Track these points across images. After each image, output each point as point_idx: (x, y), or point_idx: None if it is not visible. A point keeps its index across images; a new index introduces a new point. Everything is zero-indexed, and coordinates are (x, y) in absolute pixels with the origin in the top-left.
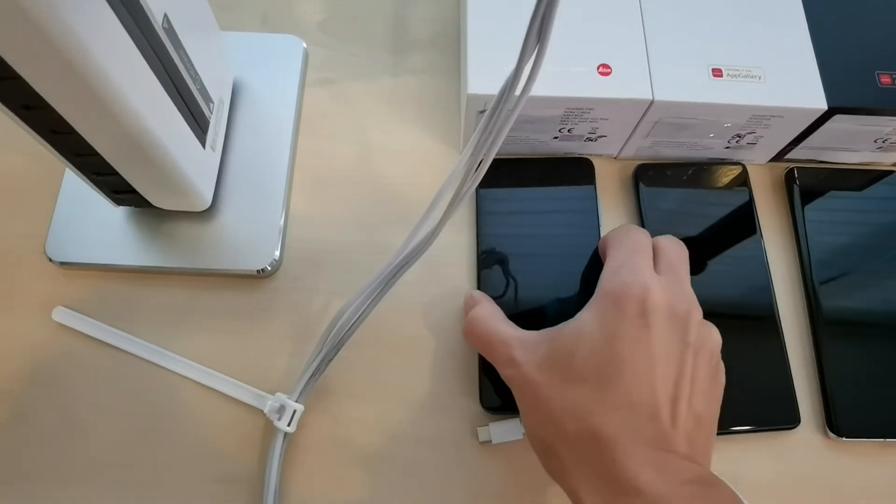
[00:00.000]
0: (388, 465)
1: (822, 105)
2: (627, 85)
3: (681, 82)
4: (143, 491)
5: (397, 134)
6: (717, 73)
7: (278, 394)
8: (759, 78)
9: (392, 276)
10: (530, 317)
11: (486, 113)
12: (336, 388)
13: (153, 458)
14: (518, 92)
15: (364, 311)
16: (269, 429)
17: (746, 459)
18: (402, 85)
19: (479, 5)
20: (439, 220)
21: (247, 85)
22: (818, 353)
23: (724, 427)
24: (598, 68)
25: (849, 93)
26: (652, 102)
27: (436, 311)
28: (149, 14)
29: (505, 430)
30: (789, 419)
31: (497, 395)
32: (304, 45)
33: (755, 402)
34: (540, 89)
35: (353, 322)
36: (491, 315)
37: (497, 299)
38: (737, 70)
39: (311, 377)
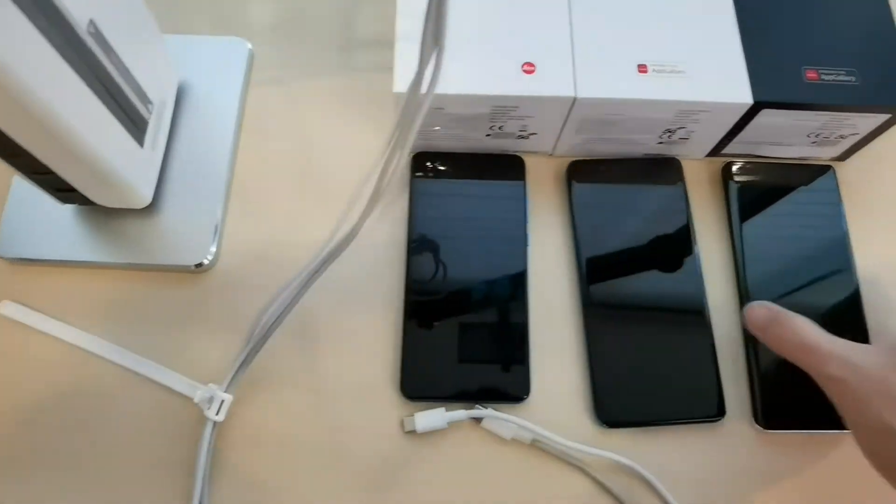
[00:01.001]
0: (315, 453)
1: (747, 100)
2: (551, 83)
3: (605, 79)
4: (82, 476)
5: (341, 131)
6: (642, 69)
7: (210, 384)
8: (685, 73)
9: (317, 269)
10: (453, 302)
11: (398, 113)
12: (267, 379)
13: (93, 445)
14: (424, 90)
15: (290, 303)
16: (201, 417)
17: (675, 451)
18: (348, 83)
19: (407, 4)
20: (360, 214)
21: (192, 86)
22: (746, 347)
23: (653, 419)
24: (522, 66)
25: (775, 87)
26: (575, 100)
27: (365, 303)
28: (71, 20)
29: (429, 420)
30: (715, 411)
31: (416, 386)
32: (250, 46)
33: (683, 395)
34: (465, 88)
35: (279, 314)
36: (812, 324)
37: (424, 285)
38: (662, 66)
39: (239, 368)
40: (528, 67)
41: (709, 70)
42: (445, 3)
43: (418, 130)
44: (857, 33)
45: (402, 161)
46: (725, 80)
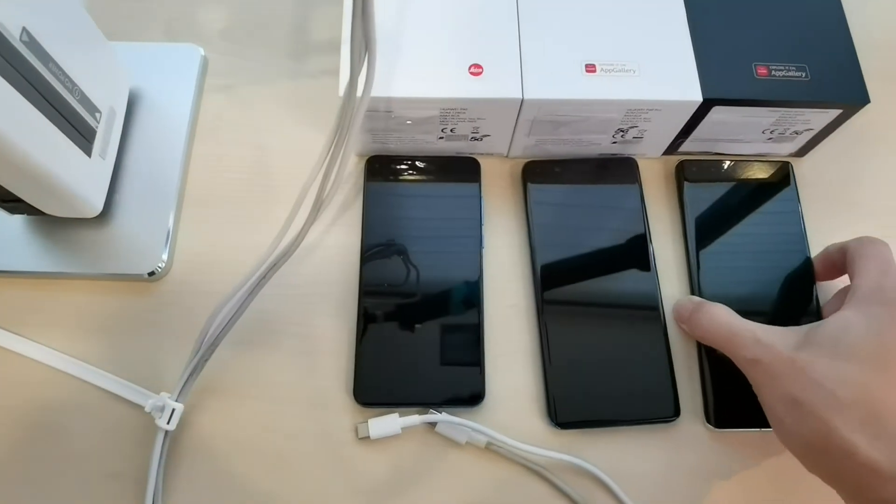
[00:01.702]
0: (269, 461)
1: (697, 97)
2: (498, 84)
3: (552, 80)
4: (35, 488)
5: (292, 136)
6: (590, 68)
7: (162, 393)
8: (634, 72)
9: (263, 276)
10: (407, 306)
11: (335, 117)
12: (220, 387)
13: (45, 456)
14: (359, 94)
15: (238, 311)
16: (154, 427)
17: (630, 452)
18: (301, 88)
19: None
20: (305, 220)
21: (144, 93)
22: (699, 347)
23: (607, 420)
24: (469, 68)
25: (725, 85)
26: (522, 101)
27: (319, 309)
28: (1, 28)
29: (383, 426)
30: (670, 411)
31: (370, 392)
32: (203, 52)
33: (638, 396)
34: (412, 91)
35: (227, 322)
36: (729, 311)
37: (378, 289)
38: (611, 65)
39: (189, 377)
40: (476, 69)
41: (658, 68)
42: (371, 7)
43: (372, 135)
44: (809, 29)
45: (346, 165)
46: (675, 79)
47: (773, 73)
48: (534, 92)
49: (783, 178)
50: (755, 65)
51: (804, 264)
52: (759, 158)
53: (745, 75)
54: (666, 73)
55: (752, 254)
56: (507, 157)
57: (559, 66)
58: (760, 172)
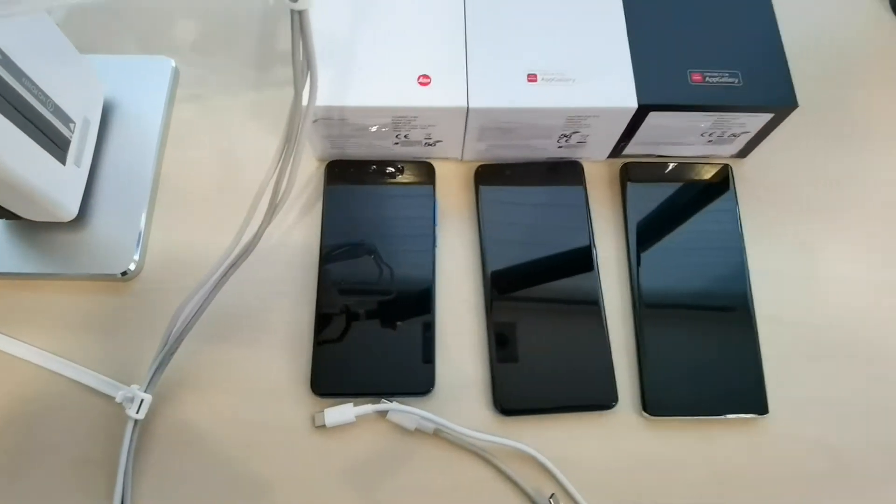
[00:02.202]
0: (233, 448)
1: (633, 104)
2: (445, 94)
3: (496, 89)
4: (11, 475)
5: (257, 142)
6: (532, 78)
7: (132, 385)
8: (574, 81)
9: (224, 274)
10: (362, 302)
11: (284, 126)
12: (187, 379)
13: (21, 445)
14: (304, 103)
15: (201, 307)
16: (124, 417)
17: (570, 438)
18: (265, 97)
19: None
20: (261, 221)
21: (118, 103)
22: (637, 338)
23: (549, 407)
24: (418, 78)
25: (660, 91)
26: (468, 109)
27: (281, 305)
28: None
29: (337, 415)
30: (608, 400)
31: (326, 383)
32: (174, 64)
33: (579, 385)
34: (364, 100)
35: (191, 317)
36: None
37: (335, 286)
38: (551, 75)
39: (157, 369)
40: (424, 79)
41: (597, 77)
42: (308, 26)
43: (330, 141)
44: (742, 37)
45: (297, 170)
46: (612, 86)
47: (707, 79)
48: (478, 101)
49: (722, 179)
50: (690, 72)
51: (739, 261)
52: (701, 160)
53: (680, 82)
54: (604, 81)
55: (690, 251)
56: (461, 160)
57: (503, 76)
58: (700, 174)
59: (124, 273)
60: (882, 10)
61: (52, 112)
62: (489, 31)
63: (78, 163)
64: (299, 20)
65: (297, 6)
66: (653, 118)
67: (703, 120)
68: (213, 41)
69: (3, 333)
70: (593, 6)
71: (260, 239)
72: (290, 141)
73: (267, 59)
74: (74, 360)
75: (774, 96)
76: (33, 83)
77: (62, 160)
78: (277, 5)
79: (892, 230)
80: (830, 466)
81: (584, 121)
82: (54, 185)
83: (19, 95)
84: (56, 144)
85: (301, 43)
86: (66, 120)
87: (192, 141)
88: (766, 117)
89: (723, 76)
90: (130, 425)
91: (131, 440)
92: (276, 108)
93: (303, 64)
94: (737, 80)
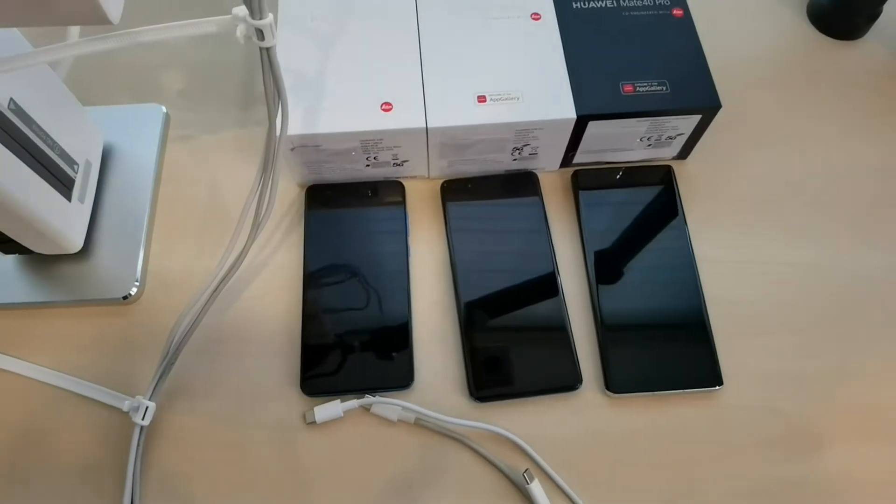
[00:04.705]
0: (231, 448)
1: (572, 115)
2: (405, 117)
3: (451, 110)
4: (26, 485)
5: (241, 176)
6: (481, 99)
7: (138, 396)
8: (518, 99)
9: (214, 291)
10: (343, 309)
11: (262, 153)
12: (186, 387)
13: (35, 457)
14: (277, 132)
15: (196, 321)
16: (131, 425)
17: (541, 419)
18: (248, 134)
19: (286, 61)
20: (245, 243)
21: (116, 147)
22: (597, 324)
23: (520, 392)
24: (381, 105)
25: (595, 102)
26: (427, 129)
27: (269, 317)
28: None
29: (327, 412)
30: (572, 382)
31: (314, 384)
32: (164, 109)
33: (545, 371)
34: (333, 127)
35: (187, 331)
36: None
37: (318, 296)
38: (498, 94)
39: (159, 378)
40: (386, 106)
41: (539, 93)
42: (276, 62)
43: (308, 167)
44: (667, 50)
45: (275, 193)
46: (552, 101)
47: (638, 89)
48: (436, 121)
49: (665, 179)
50: (622, 84)
51: (686, 251)
52: (645, 164)
53: (614, 93)
54: (545, 97)
55: (641, 246)
56: (428, 177)
57: (456, 98)
58: (645, 176)
59: (125, 297)
60: (801, 20)
61: (58, 155)
62: (441, 59)
63: (82, 199)
64: (268, 55)
65: (264, 44)
66: (593, 127)
67: (638, 125)
68: (199, 88)
69: (17, 357)
70: (532, 31)
71: (245, 255)
72: (266, 163)
73: (248, 100)
74: (81, 377)
75: (700, 99)
76: (42, 129)
77: (68, 197)
78: (249, 45)
79: (814, 219)
80: (784, 431)
81: (531, 133)
82: (61, 219)
83: (30, 140)
84: (63, 183)
85: (271, 75)
86: (71, 161)
87: (184, 177)
88: (695, 119)
89: (652, 85)
90: (137, 431)
91: (138, 444)
92: (257, 143)
93: (273, 94)
94: (664, 88)
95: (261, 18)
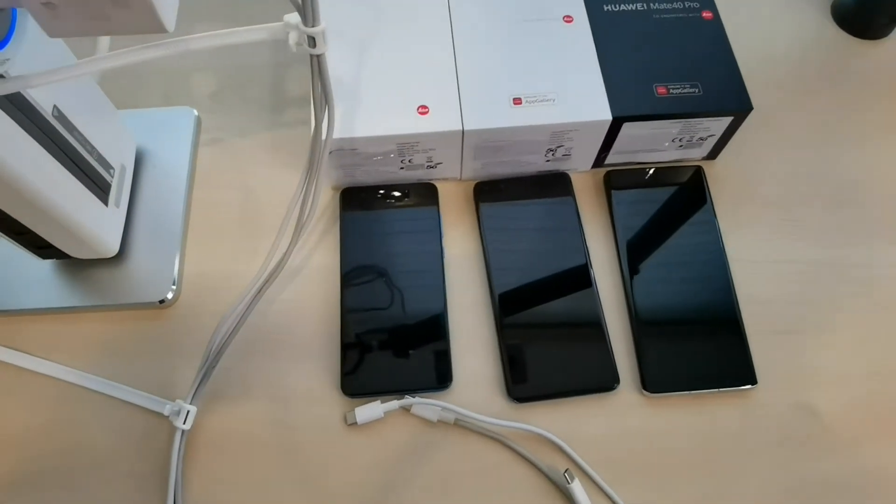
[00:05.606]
0: (273, 450)
1: (607, 116)
2: (442, 120)
3: (486, 113)
4: (70, 490)
5: (274, 177)
6: (517, 101)
7: (178, 400)
8: (553, 100)
9: (257, 294)
10: (382, 311)
11: (307, 157)
12: (226, 390)
13: (77, 461)
14: (324, 136)
15: (238, 324)
16: (172, 429)
17: (578, 419)
18: (279, 137)
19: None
20: (288, 245)
21: (149, 151)
22: (633, 325)
23: (558, 392)
24: (418, 109)
25: (630, 104)
26: (463, 132)
27: (309, 319)
28: (38, 107)
29: (367, 413)
30: (610, 382)
31: (355, 384)
32: (196, 113)
33: (582, 371)
34: (371, 131)
35: (229, 334)
36: None
37: (356, 299)
38: (534, 96)
39: (200, 382)
40: (423, 109)
41: (574, 96)
42: (325, 68)
43: (343, 170)
44: (699, 52)
45: (319, 195)
46: (588, 103)
47: (671, 91)
48: (471, 124)
49: (696, 179)
50: (655, 86)
51: (718, 250)
52: (675, 164)
53: (648, 95)
54: (580, 99)
55: (674, 246)
56: (460, 179)
57: (491, 102)
58: (676, 176)
59: (162, 301)
60: (825, 20)
61: (96, 159)
62: (475, 62)
63: (117, 204)
64: (318, 63)
65: (316, 51)
66: (627, 128)
67: (671, 127)
68: (229, 91)
69: (55, 362)
70: (564, 34)
71: (289, 258)
72: (311, 168)
73: (278, 102)
74: (119, 381)
75: (731, 102)
76: (81, 135)
77: (105, 202)
78: (277, 48)
79: (839, 219)
80: (818, 430)
81: (566, 135)
82: (99, 224)
83: (71, 146)
84: (100, 188)
85: (320, 82)
86: (107, 166)
87: (216, 180)
88: (726, 120)
89: (685, 87)
90: (178, 435)
91: (180, 449)
92: (289, 145)
93: (322, 99)
94: (697, 90)
95: (314, 26)
